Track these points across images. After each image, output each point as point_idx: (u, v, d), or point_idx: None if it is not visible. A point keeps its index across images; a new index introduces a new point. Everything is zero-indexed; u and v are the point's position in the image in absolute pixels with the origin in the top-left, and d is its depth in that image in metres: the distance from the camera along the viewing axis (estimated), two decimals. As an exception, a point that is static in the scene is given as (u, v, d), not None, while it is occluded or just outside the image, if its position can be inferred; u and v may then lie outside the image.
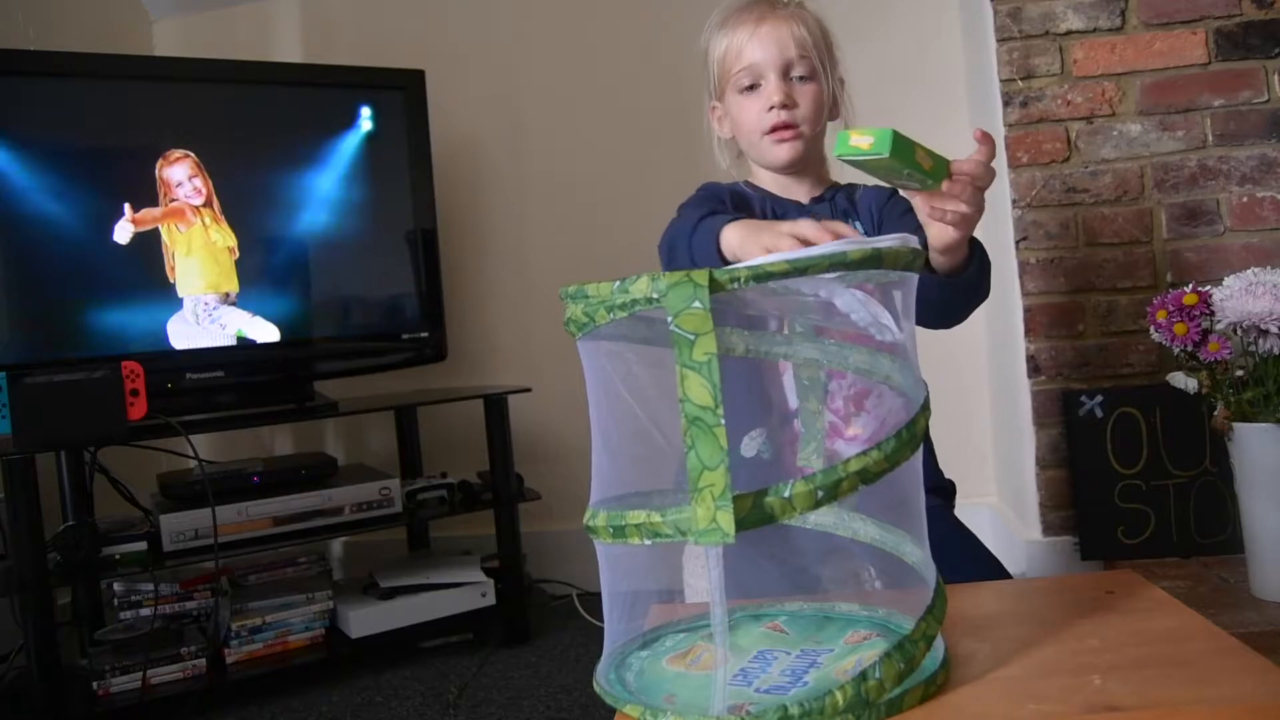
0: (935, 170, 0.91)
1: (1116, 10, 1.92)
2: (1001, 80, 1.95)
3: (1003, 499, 2.24)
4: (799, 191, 1.28)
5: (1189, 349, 1.57)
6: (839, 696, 0.67)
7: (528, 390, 2.17)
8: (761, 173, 1.29)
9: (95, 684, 1.73)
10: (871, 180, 1.29)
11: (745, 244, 0.99)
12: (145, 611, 1.89)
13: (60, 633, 1.71)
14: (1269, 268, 1.53)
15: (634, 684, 0.78)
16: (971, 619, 0.88)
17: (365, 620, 1.97)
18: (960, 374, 2.28)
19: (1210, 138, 1.91)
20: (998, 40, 1.95)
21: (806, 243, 0.88)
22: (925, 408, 0.76)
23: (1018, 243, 1.95)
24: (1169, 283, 1.89)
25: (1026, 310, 1.95)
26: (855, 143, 0.86)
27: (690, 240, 1.06)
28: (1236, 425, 1.54)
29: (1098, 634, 0.81)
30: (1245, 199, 1.89)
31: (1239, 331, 1.53)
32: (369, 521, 2.00)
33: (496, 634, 2.07)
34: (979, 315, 2.32)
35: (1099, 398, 1.87)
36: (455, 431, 2.40)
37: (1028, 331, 1.95)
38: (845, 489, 0.68)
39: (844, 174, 1.33)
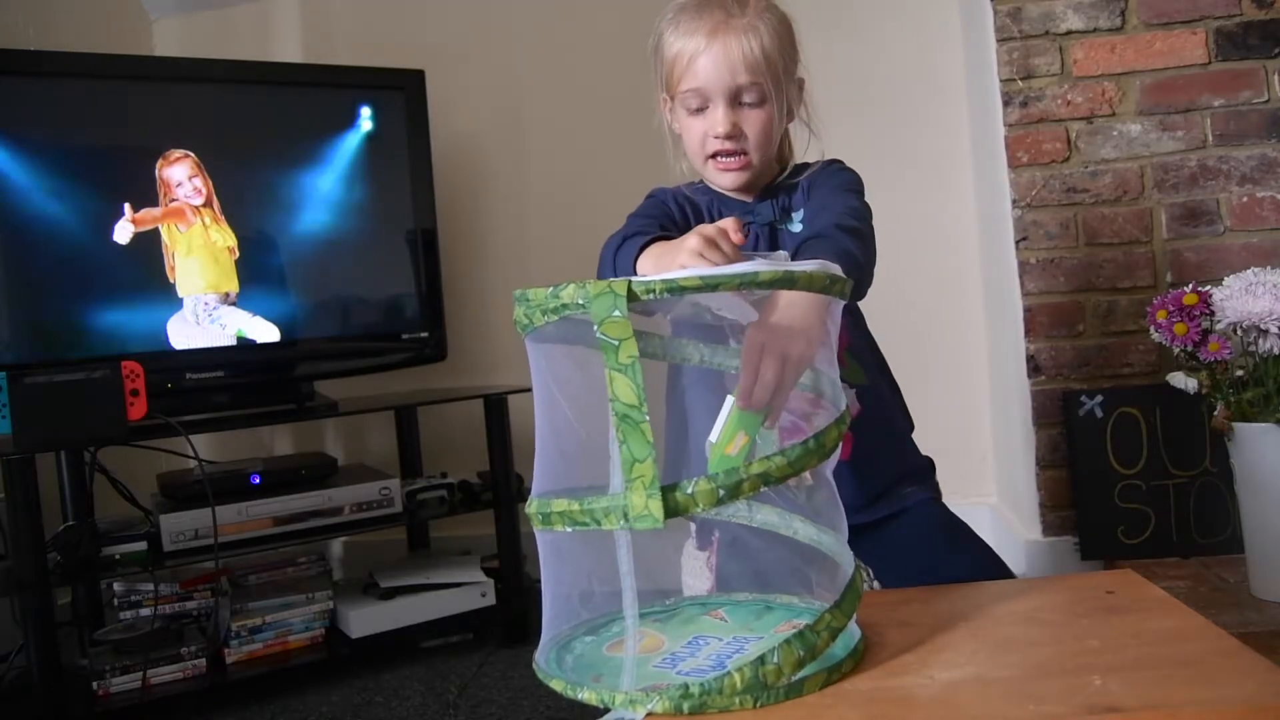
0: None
1: (1116, 10, 1.92)
2: (1001, 80, 1.95)
3: (1003, 499, 2.24)
4: (749, 192, 1.25)
5: (1189, 349, 1.57)
6: (737, 679, 0.71)
7: (528, 390, 2.16)
8: None
9: (95, 684, 1.73)
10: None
11: (658, 270, 0.96)
12: (145, 611, 1.89)
13: (60, 633, 1.70)
14: (1269, 268, 1.53)
15: (571, 665, 0.84)
16: (970, 618, 0.88)
17: (365, 620, 1.97)
18: (960, 374, 2.28)
19: (1210, 138, 1.91)
20: (998, 40, 1.95)
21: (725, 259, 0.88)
22: (841, 421, 0.81)
23: (1018, 243, 1.95)
24: (1169, 283, 1.89)
25: (1026, 310, 1.95)
26: (730, 453, 0.85)
27: (615, 261, 1.06)
28: (1236, 425, 1.54)
29: (1098, 634, 0.81)
30: (1245, 199, 1.89)
31: (1239, 331, 1.53)
32: (369, 521, 2.00)
33: (496, 634, 2.07)
34: (979, 315, 2.33)
35: (1099, 398, 1.87)
36: (455, 431, 2.40)
37: (1028, 331, 1.95)
38: (746, 489, 0.73)
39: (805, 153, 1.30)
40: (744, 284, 0.73)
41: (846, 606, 0.79)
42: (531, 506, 0.79)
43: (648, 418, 0.70)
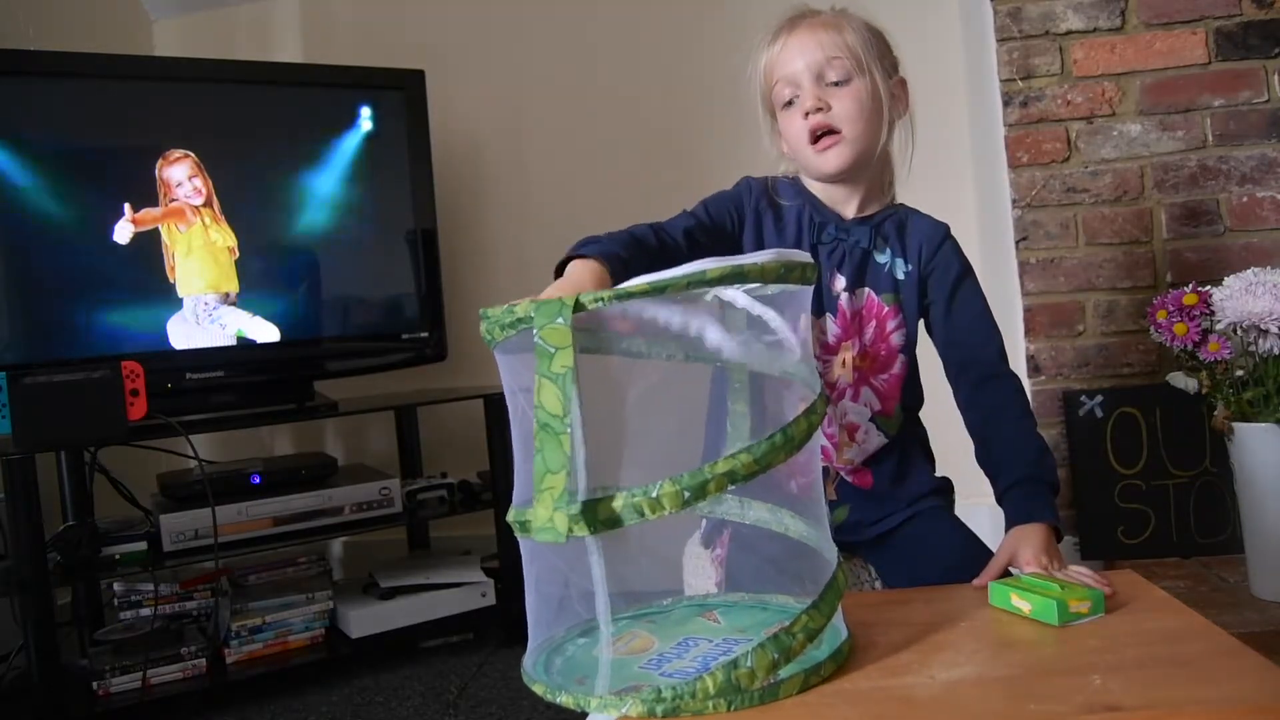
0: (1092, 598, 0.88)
1: (1116, 10, 1.92)
2: (1001, 80, 1.95)
3: (1003, 499, 2.23)
4: (847, 205, 1.24)
5: (1189, 349, 1.57)
6: (710, 682, 0.71)
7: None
8: (813, 181, 1.26)
9: (95, 684, 1.73)
10: (925, 207, 1.28)
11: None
12: (145, 611, 1.89)
13: (60, 633, 1.70)
14: (1269, 268, 1.53)
15: (560, 667, 0.84)
16: (970, 618, 0.88)
17: (365, 620, 1.97)
18: (960, 374, 2.28)
19: (1210, 138, 1.90)
20: (998, 40, 1.95)
21: None
22: (811, 411, 0.80)
23: (1018, 243, 1.95)
24: (1169, 283, 1.89)
25: (1026, 310, 1.95)
26: (1016, 604, 0.88)
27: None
28: (1236, 425, 1.54)
29: (1098, 634, 0.81)
30: (1245, 199, 1.89)
31: (1239, 331, 1.53)
32: (369, 521, 2.00)
33: (496, 634, 2.07)
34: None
35: (1099, 398, 1.87)
36: (455, 431, 2.40)
37: (1028, 331, 1.94)
38: (712, 489, 0.73)
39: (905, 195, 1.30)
40: (692, 284, 0.72)
41: (824, 607, 0.78)
42: (510, 515, 0.79)
43: (569, 429, 0.70)
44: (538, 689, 0.78)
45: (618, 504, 0.71)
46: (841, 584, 0.81)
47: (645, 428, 0.85)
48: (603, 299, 0.71)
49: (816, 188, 1.25)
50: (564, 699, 0.75)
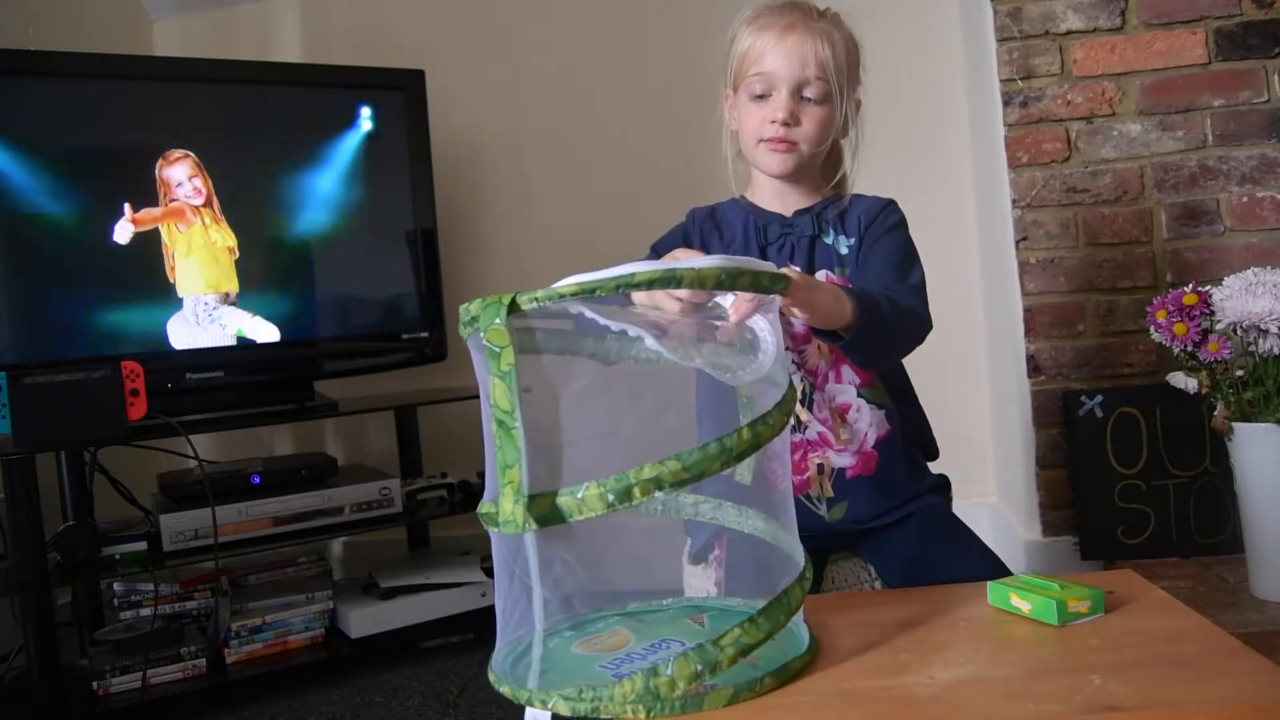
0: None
1: (1116, 10, 1.92)
2: (1001, 80, 1.95)
3: (1003, 499, 2.24)
4: (791, 201, 1.27)
5: (1189, 349, 1.57)
6: (627, 687, 0.71)
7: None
8: (759, 175, 1.29)
9: (95, 684, 1.73)
10: (871, 192, 1.30)
11: None
12: (145, 611, 1.89)
13: (60, 633, 1.70)
14: (1269, 268, 1.53)
15: (531, 661, 0.83)
16: (970, 618, 0.88)
17: (365, 620, 1.97)
18: (960, 374, 2.28)
19: (1210, 138, 1.91)
20: (998, 40, 1.95)
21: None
22: (758, 424, 0.80)
23: (1018, 243, 1.95)
24: (1169, 283, 1.89)
25: (1026, 310, 1.95)
26: (1016, 604, 0.88)
27: None
28: (1236, 425, 1.54)
29: (1098, 634, 0.81)
30: (1245, 199, 1.89)
31: (1239, 331, 1.53)
32: (369, 521, 2.00)
33: (496, 634, 2.06)
34: (979, 315, 2.33)
35: (1099, 398, 1.87)
36: (455, 431, 2.40)
37: (1028, 331, 1.95)
38: (637, 495, 0.73)
39: (859, 185, 1.32)
40: (621, 286, 0.73)
41: (763, 623, 0.76)
42: (480, 508, 0.80)
43: (519, 424, 0.73)
44: (491, 678, 0.81)
45: (550, 501, 0.73)
46: (796, 600, 0.80)
47: (624, 424, 0.85)
48: (538, 299, 0.73)
49: (763, 184, 1.28)
50: (505, 689, 0.78)
